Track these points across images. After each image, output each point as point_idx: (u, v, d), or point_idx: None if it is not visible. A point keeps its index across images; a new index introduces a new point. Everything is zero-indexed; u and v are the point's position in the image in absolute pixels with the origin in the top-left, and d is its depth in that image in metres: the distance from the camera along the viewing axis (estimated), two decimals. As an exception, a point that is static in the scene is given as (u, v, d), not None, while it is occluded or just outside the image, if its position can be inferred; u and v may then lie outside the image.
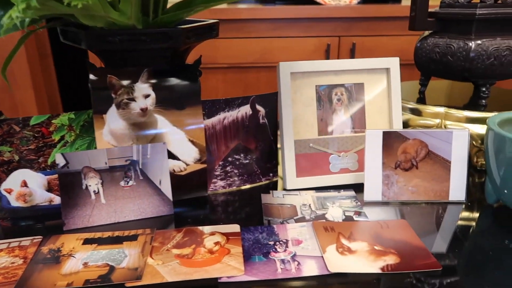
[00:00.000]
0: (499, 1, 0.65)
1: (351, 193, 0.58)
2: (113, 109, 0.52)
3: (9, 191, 0.52)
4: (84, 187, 0.51)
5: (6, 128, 0.51)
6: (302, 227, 0.50)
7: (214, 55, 1.49)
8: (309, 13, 1.46)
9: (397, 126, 0.62)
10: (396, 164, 0.56)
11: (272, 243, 0.46)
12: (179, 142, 0.55)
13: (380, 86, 0.62)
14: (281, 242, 0.46)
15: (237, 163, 0.59)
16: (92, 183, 0.51)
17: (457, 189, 0.55)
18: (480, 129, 0.64)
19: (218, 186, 0.59)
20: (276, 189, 0.60)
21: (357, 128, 0.62)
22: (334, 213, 0.53)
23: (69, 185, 0.50)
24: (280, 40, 1.50)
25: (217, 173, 0.59)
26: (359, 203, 0.55)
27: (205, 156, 0.56)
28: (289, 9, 1.46)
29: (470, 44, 0.65)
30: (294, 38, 1.50)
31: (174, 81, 0.55)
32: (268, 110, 0.59)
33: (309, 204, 0.55)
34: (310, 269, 0.42)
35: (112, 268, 0.42)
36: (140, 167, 0.52)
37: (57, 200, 0.53)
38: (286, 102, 0.59)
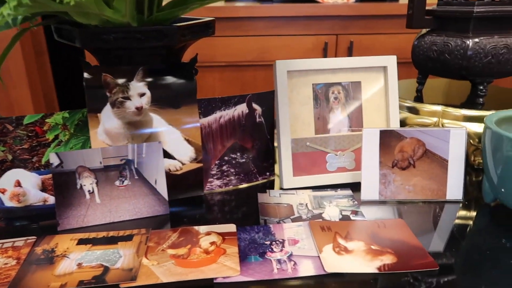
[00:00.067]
0: (497, -1, 0.65)
1: (348, 192, 0.57)
2: (108, 108, 0.52)
3: (3, 191, 0.51)
4: (78, 186, 0.50)
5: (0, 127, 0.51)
6: (299, 226, 0.49)
7: (212, 53, 1.49)
8: (307, 11, 1.45)
9: (394, 125, 0.62)
10: (393, 163, 0.55)
11: (268, 243, 0.46)
12: (174, 141, 0.54)
13: (377, 84, 0.62)
14: (277, 242, 0.46)
15: (234, 162, 0.59)
16: (87, 182, 0.51)
17: (454, 188, 0.55)
18: (478, 127, 0.64)
19: (214, 185, 0.58)
20: (273, 188, 0.60)
21: (354, 127, 0.61)
22: (331, 212, 0.52)
23: (63, 184, 0.50)
24: (277, 38, 1.49)
25: (213, 172, 0.58)
26: (356, 202, 0.55)
27: (201, 155, 0.55)
28: (287, 7, 1.45)
29: (468, 42, 0.64)
30: (292, 37, 1.49)
31: (169, 79, 0.54)
32: (265, 109, 0.59)
33: (306, 203, 0.54)
34: (307, 269, 0.41)
35: (106, 269, 0.42)
36: (135, 166, 0.52)
37: (51, 200, 0.53)
38: (282, 101, 0.58)
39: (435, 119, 0.67)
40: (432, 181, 0.55)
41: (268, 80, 1.52)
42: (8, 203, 0.52)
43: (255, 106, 0.58)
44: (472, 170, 0.64)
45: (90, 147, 0.52)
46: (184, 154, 0.55)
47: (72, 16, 0.46)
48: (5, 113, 1.51)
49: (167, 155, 0.54)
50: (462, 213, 0.53)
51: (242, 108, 0.58)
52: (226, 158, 0.58)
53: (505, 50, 0.64)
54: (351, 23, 1.48)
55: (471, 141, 0.64)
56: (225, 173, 0.59)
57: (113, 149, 0.51)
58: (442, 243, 0.47)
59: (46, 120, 0.52)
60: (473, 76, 0.68)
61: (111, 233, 0.48)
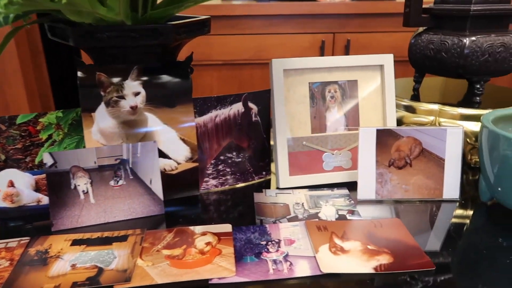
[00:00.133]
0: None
1: (345, 191, 0.57)
2: (102, 107, 0.51)
3: (-4, 192, 0.51)
4: (72, 187, 0.50)
5: (-8, 127, 0.50)
6: (295, 226, 0.49)
7: (209, 51, 1.48)
8: (304, 9, 1.45)
9: (391, 124, 0.61)
10: (389, 162, 0.55)
11: (264, 243, 0.45)
12: (170, 141, 0.54)
13: (374, 83, 0.62)
14: (273, 242, 0.46)
15: (230, 161, 0.59)
16: (81, 182, 0.50)
17: (451, 187, 0.54)
18: (474, 126, 0.64)
19: (210, 185, 0.58)
20: (269, 187, 0.59)
21: (350, 126, 0.61)
22: (327, 212, 0.52)
23: (57, 185, 0.49)
24: (274, 36, 1.49)
25: (209, 171, 0.58)
26: (352, 201, 0.55)
27: (196, 154, 0.55)
28: (284, 6, 1.45)
29: (465, 40, 0.64)
30: (289, 35, 1.49)
31: (165, 78, 0.54)
32: (261, 108, 0.59)
33: (302, 203, 0.54)
34: (303, 269, 0.41)
35: (100, 270, 0.42)
36: (130, 166, 0.51)
37: (45, 200, 0.52)
38: (279, 100, 0.58)
39: (431, 118, 0.67)
40: (428, 180, 0.55)
41: (265, 78, 1.52)
42: (1, 203, 0.51)
43: (251, 105, 0.58)
44: (469, 169, 0.64)
45: (84, 147, 0.52)
46: (179, 154, 0.54)
47: (65, 14, 0.46)
48: (0, 112, 1.49)
49: (162, 154, 0.53)
50: (459, 212, 0.53)
51: (238, 107, 0.57)
52: (222, 157, 0.58)
53: (502, 49, 0.64)
54: (348, 22, 1.48)
55: (468, 140, 0.63)
56: (221, 173, 0.58)
57: (108, 148, 0.51)
58: (439, 242, 0.47)
59: (40, 120, 0.51)
60: (470, 74, 0.67)
61: (106, 234, 0.48)
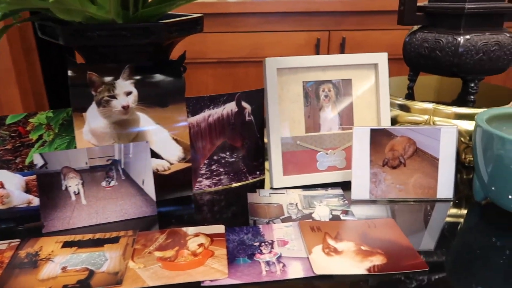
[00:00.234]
0: (488, -4, 0.64)
1: (339, 191, 0.57)
2: (93, 107, 0.51)
3: (-14, 193, 0.50)
4: (64, 188, 0.49)
5: (-19, 127, 0.50)
6: (288, 227, 0.49)
7: (203, 49, 1.47)
8: (299, 7, 1.44)
9: (385, 123, 0.61)
10: (383, 161, 0.55)
11: (257, 244, 0.45)
12: (162, 141, 0.53)
13: (368, 82, 0.61)
14: (266, 243, 0.45)
15: (223, 161, 0.58)
16: (72, 183, 0.49)
17: (445, 186, 0.54)
18: (469, 125, 0.63)
19: (203, 185, 0.58)
20: (263, 187, 0.59)
21: (345, 125, 0.61)
22: (321, 212, 0.52)
23: (48, 186, 0.49)
24: (269, 34, 1.48)
25: (202, 172, 0.57)
26: (346, 201, 0.54)
27: (189, 154, 0.54)
28: (279, 3, 1.44)
29: (459, 39, 0.64)
30: (284, 33, 1.48)
31: (157, 77, 0.53)
32: (254, 107, 0.58)
33: (296, 203, 0.54)
34: (296, 271, 0.41)
35: (91, 273, 0.41)
36: (122, 166, 0.51)
37: (36, 201, 0.51)
38: (272, 99, 0.58)
39: (426, 117, 0.67)
40: (422, 180, 0.55)
41: (261, 76, 1.51)
42: (-9, 205, 0.50)
43: (244, 104, 0.57)
44: (463, 168, 0.64)
45: (75, 147, 0.51)
46: (172, 154, 0.54)
47: (54, 12, 0.45)
48: (-7, 111, 1.48)
49: (154, 155, 0.53)
50: (453, 211, 0.53)
51: (231, 107, 0.57)
52: (215, 157, 0.58)
53: (496, 47, 0.64)
54: (343, 19, 1.47)
55: (462, 139, 0.63)
56: (214, 173, 0.58)
57: (99, 149, 0.50)
58: (433, 242, 0.46)
59: (30, 120, 0.51)
60: (464, 73, 0.67)
61: (97, 235, 0.48)
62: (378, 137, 0.55)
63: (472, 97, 0.68)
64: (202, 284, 0.39)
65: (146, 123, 0.52)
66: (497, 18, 0.66)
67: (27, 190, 0.51)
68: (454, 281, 0.41)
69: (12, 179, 0.51)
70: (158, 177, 0.53)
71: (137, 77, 0.52)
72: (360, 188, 0.55)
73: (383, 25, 1.49)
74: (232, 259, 0.43)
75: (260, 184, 0.60)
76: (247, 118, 0.58)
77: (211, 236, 0.47)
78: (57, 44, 0.49)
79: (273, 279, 0.40)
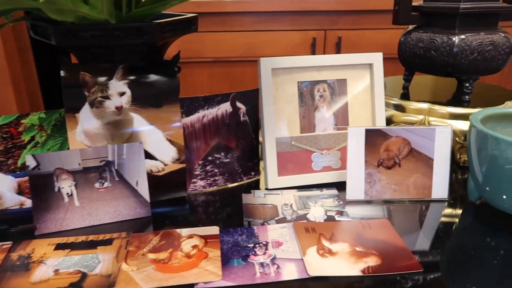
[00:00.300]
0: (483, -5, 0.64)
1: (334, 191, 0.57)
2: (86, 107, 0.50)
3: (-23, 195, 0.50)
4: (56, 189, 0.49)
5: (-28, 128, 0.49)
6: (283, 228, 0.48)
7: (199, 49, 1.47)
8: (295, 6, 1.44)
9: (380, 123, 0.61)
10: (378, 162, 0.55)
11: (251, 245, 0.45)
12: (156, 141, 0.53)
13: (363, 82, 0.61)
14: (260, 245, 0.45)
15: (218, 162, 0.58)
16: (65, 185, 0.49)
17: (440, 187, 0.54)
18: (464, 125, 0.63)
19: (198, 186, 0.57)
20: (258, 188, 0.59)
21: (340, 125, 0.61)
22: (316, 213, 0.51)
23: (40, 187, 0.48)
24: (265, 33, 1.47)
25: (196, 172, 0.57)
26: (341, 202, 0.54)
27: (183, 155, 0.54)
28: (275, 2, 1.43)
29: (454, 39, 0.64)
30: (280, 32, 1.48)
31: (151, 77, 0.53)
32: (249, 107, 0.58)
33: (291, 204, 0.54)
34: (290, 272, 0.41)
35: (84, 275, 0.41)
36: (116, 168, 0.51)
37: (28, 203, 0.51)
38: (267, 99, 0.57)
39: (421, 117, 0.67)
40: (417, 180, 0.54)
41: (257, 76, 1.51)
42: (-17, 207, 0.50)
43: (239, 104, 0.57)
44: (458, 168, 0.64)
45: (68, 149, 0.51)
46: (166, 155, 0.53)
47: (46, 12, 0.45)
48: (-13, 111, 1.46)
49: (148, 155, 0.52)
50: (448, 211, 0.53)
51: (226, 107, 0.56)
52: (210, 158, 0.57)
53: (491, 47, 0.64)
54: (339, 18, 1.47)
55: (457, 139, 0.63)
56: (209, 173, 0.58)
57: (93, 150, 0.50)
58: (428, 242, 0.46)
59: (22, 121, 0.50)
60: (459, 73, 0.67)
61: (91, 237, 0.47)
62: (373, 137, 0.54)
63: (467, 97, 0.68)
64: (195, 287, 0.39)
65: (140, 123, 0.52)
66: (491, 18, 0.66)
67: (20, 191, 0.51)
68: (448, 281, 0.41)
69: (4, 181, 0.50)
70: (152, 178, 0.52)
71: (131, 78, 0.51)
72: (355, 189, 0.55)
73: (378, 24, 1.49)
74: (226, 261, 0.42)
75: (255, 185, 0.60)
76: (241, 118, 0.58)
77: (205, 238, 0.46)
78: (51, 44, 0.48)
79: (267, 281, 0.40)
